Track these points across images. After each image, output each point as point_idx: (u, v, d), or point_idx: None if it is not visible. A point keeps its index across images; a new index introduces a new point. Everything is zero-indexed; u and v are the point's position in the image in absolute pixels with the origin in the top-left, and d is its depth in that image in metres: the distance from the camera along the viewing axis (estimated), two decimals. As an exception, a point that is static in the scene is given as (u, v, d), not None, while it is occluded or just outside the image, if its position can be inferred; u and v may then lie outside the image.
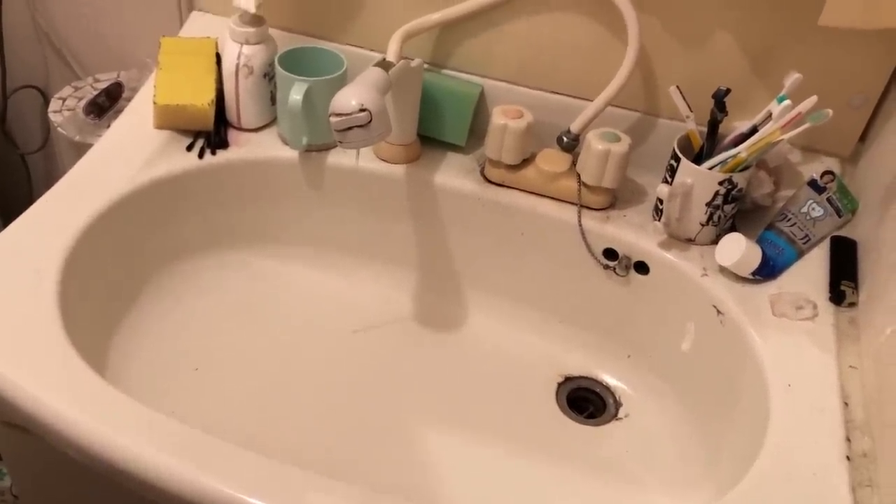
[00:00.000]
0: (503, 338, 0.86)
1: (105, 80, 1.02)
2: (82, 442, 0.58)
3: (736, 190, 0.75)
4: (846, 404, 0.65)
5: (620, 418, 0.81)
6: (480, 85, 0.87)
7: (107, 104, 0.96)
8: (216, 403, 0.76)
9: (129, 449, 0.57)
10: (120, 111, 0.96)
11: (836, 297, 0.73)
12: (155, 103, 0.81)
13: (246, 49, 0.81)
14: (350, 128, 0.67)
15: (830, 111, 0.70)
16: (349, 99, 0.66)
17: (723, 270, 0.76)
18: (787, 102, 0.69)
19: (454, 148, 0.88)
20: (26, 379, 0.60)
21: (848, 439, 0.62)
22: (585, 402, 0.83)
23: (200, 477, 0.56)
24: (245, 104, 0.84)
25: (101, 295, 0.74)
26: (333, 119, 0.67)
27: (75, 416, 0.58)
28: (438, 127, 0.86)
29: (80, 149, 0.98)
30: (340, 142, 0.68)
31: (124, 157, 0.80)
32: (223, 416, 0.75)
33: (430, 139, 0.87)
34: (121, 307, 0.78)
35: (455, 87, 0.85)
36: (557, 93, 0.86)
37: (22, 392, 0.59)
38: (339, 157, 0.85)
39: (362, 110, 0.66)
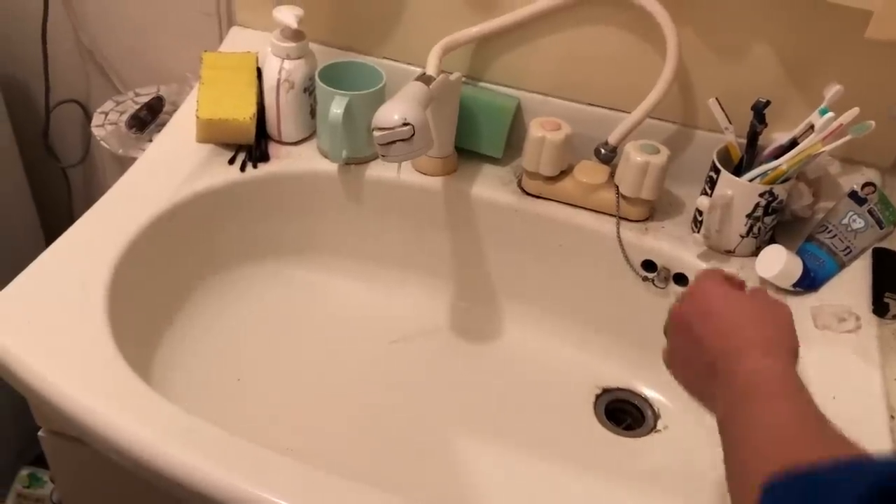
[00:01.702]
0: (541, 349, 0.87)
1: (145, 95, 1.04)
2: (134, 450, 0.59)
3: (776, 202, 0.75)
4: (892, 417, 0.64)
5: (659, 430, 0.81)
6: (517, 98, 0.87)
7: (148, 118, 0.97)
8: (258, 413, 0.77)
9: (176, 457, 0.58)
10: (161, 125, 0.98)
11: (880, 309, 0.72)
12: (198, 117, 0.83)
13: (287, 64, 0.82)
14: (393, 142, 0.68)
15: (873, 123, 0.69)
16: (392, 113, 0.67)
17: (763, 282, 0.76)
18: (829, 115, 0.69)
19: (491, 160, 0.88)
20: (80, 390, 0.61)
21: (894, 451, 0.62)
22: (623, 413, 0.83)
23: (248, 486, 0.56)
24: (286, 118, 0.85)
25: (145, 306, 0.76)
26: (377, 133, 0.68)
27: (129, 426, 0.59)
28: (476, 139, 0.87)
29: (122, 162, 1.00)
30: (383, 155, 0.69)
31: (168, 170, 0.81)
32: (265, 425, 0.75)
33: (467, 151, 0.88)
34: (164, 318, 0.79)
35: (492, 100, 0.85)
36: (593, 105, 0.86)
37: (75, 403, 0.61)
38: (378, 170, 0.86)
39: (405, 124, 0.67)
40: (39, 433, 0.75)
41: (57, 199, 1.27)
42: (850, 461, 0.40)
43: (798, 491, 0.39)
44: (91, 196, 1.27)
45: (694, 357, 0.52)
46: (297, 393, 0.80)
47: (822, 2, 0.67)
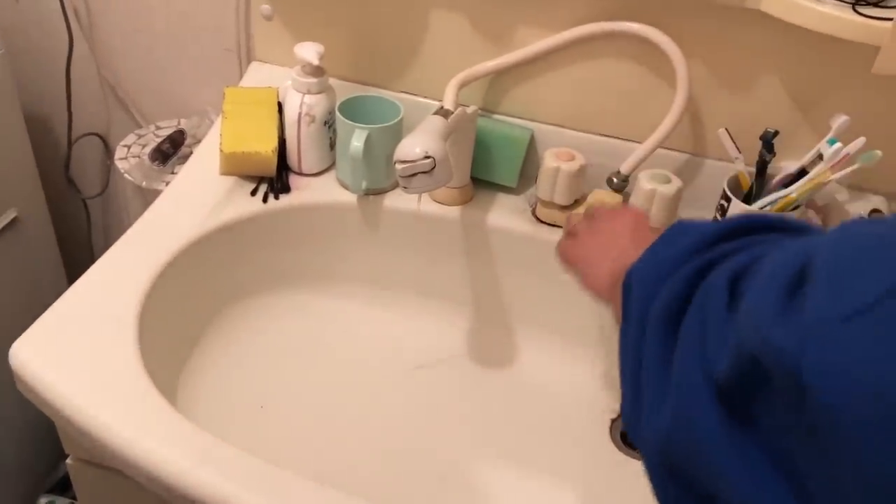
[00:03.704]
0: (557, 374, 0.88)
1: (166, 128, 1.06)
2: (164, 476, 0.60)
3: (786, 229, 0.77)
4: None
5: (675, 454, 0.82)
6: (531, 129, 0.90)
7: (171, 151, 1.00)
8: (281, 439, 0.79)
9: (207, 482, 0.59)
10: (183, 157, 1.01)
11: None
12: (221, 151, 0.85)
13: (308, 98, 0.85)
14: (415, 174, 0.70)
15: (880, 152, 0.71)
16: (414, 147, 0.70)
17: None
18: (837, 145, 0.71)
19: (506, 189, 0.91)
20: (114, 418, 0.63)
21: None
22: (639, 437, 0.84)
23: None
24: (306, 150, 0.87)
25: (172, 335, 0.78)
26: (399, 166, 0.70)
27: (161, 451, 0.61)
28: (491, 169, 0.89)
29: (144, 193, 1.02)
30: (405, 187, 0.71)
31: (193, 202, 0.84)
32: (288, 451, 0.77)
33: (482, 181, 0.90)
34: (189, 347, 0.81)
35: (507, 132, 0.88)
36: (606, 135, 0.89)
37: (109, 430, 0.62)
38: (396, 200, 0.88)
39: (426, 157, 0.69)
40: (67, 461, 0.76)
41: (77, 230, 1.29)
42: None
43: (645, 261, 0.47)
44: (109, 226, 1.30)
45: (610, 246, 0.63)
46: (318, 419, 0.82)
47: (829, 36, 0.69)
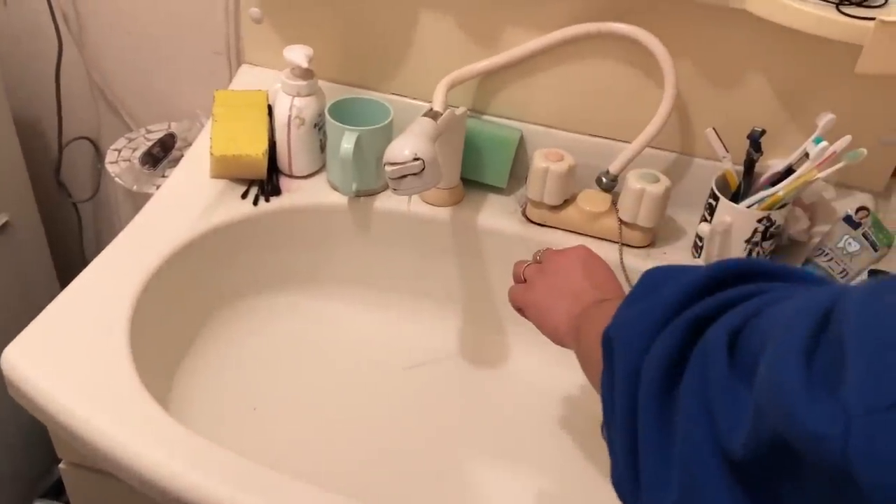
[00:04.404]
0: (548, 374, 0.89)
1: (157, 131, 1.06)
2: (157, 479, 0.60)
3: (774, 227, 0.78)
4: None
5: (666, 451, 0.83)
6: (520, 130, 0.90)
7: (161, 154, 1.00)
8: (274, 441, 0.79)
9: (200, 485, 0.60)
10: (174, 160, 1.01)
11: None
12: (212, 154, 0.85)
13: (297, 101, 0.85)
14: (404, 176, 0.70)
15: (865, 150, 0.72)
16: (403, 149, 0.70)
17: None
18: (823, 144, 0.72)
19: (495, 190, 0.91)
20: (107, 422, 0.63)
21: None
22: (630, 435, 0.85)
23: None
24: (297, 153, 0.88)
25: (163, 337, 0.78)
26: (388, 168, 0.70)
27: (154, 455, 0.61)
28: (480, 170, 0.89)
29: (134, 197, 1.02)
30: (395, 189, 0.72)
31: (184, 205, 0.84)
32: (281, 452, 0.77)
33: (472, 182, 0.90)
34: (181, 350, 0.81)
35: (496, 133, 0.88)
36: (595, 135, 0.89)
37: (102, 434, 0.62)
38: (386, 202, 0.88)
39: (416, 159, 0.70)
40: (60, 465, 0.77)
41: (68, 234, 1.29)
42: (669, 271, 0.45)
43: (626, 314, 0.44)
44: (101, 230, 1.30)
45: (564, 287, 0.62)
46: (310, 420, 0.82)
47: (814, 36, 0.70)
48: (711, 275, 0.41)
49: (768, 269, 0.41)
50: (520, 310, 0.68)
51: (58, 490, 1.29)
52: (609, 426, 0.43)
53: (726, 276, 0.41)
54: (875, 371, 0.28)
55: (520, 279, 0.69)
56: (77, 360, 0.67)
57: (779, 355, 0.32)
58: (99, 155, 1.20)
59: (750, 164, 0.79)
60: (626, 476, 0.40)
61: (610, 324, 0.44)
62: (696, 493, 0.34)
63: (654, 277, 0.45)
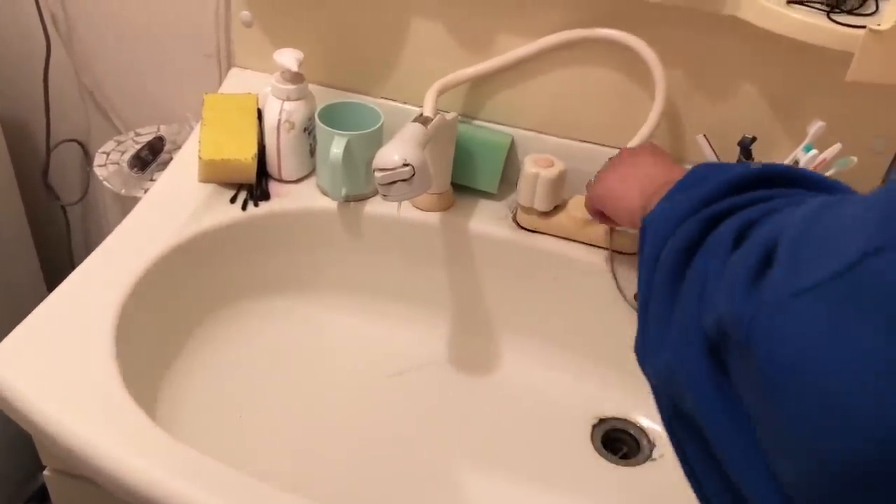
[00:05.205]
0: (538, 380, 0.88)
1: (146, 135, 1.05)
2: (141, 488, 0.60)
3: (764, 234, 0.77)
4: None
5: (655, 459, 0.83)
6: (511, 135, 0.90)
7: (150, 158, 0.99)
8: (261, 448, 0.78)
9: (184, 494, 0.59)
10: (162, 164, 1.00)
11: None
12: (200, 158, 0.85)
13: (287, 105, 0.85)
14: (394, 182, 0.70)
15: (855, 158, 0.72)
16: (392, 154, 0.70)
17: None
18: (813, 152, 0.72)
19: (486, 195, 0.91)
20: (89, 430, 0.62)
21: None
22: (620, 442, 0.85)
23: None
24: (286, 157, 0.87)
25: (150, 343, 0.77)
26: (378, 174, 0.70)
27: (138, 464, 0.60)
28: (471, 176, 0.89)
29: (123, 200, 1.02)
30: (384, 195, 0.71)
31: (171, 210, 0.83)
32: (268, 460, 0.77)
33: (462, 187, 0.90)
34: (168, 355, 0.81)
35: (487, 138, 0.88)
36: (585, 141, 0.89)
37: (85, 442, 0.62)
38: (376, 207, 0.88)
39: (405, 165, 0.69)
40: (45, 472, 0.76)
41: (56, 236, 1.28)
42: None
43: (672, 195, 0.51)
44: (89, 233, 1.29)
45: (636, 173, 0.65)
46: (298, 427, 0.81)
47: (805, 44, 0.69)
48: (741, 175, 0.46)
49: (796, 175, 0.46)
50: (598, 213, 0.72)
51: (42, 496, 1.28)
52: (638, 300, 0.49)
53: (757, 177, 0.46)
54: (790, 266, 0.34)
55: (592, 182, 0.72)
56: (62, 366, 0.67)
57: (744, 253, 0.38)
58: (87, 157, 1.19)
59: (740, 171, 0.79)
60: (640, 340, 0.46)
61: (649, 214, 0.50)
62: (682, 354, 0.40)
63: (696, 174, 0.51)
